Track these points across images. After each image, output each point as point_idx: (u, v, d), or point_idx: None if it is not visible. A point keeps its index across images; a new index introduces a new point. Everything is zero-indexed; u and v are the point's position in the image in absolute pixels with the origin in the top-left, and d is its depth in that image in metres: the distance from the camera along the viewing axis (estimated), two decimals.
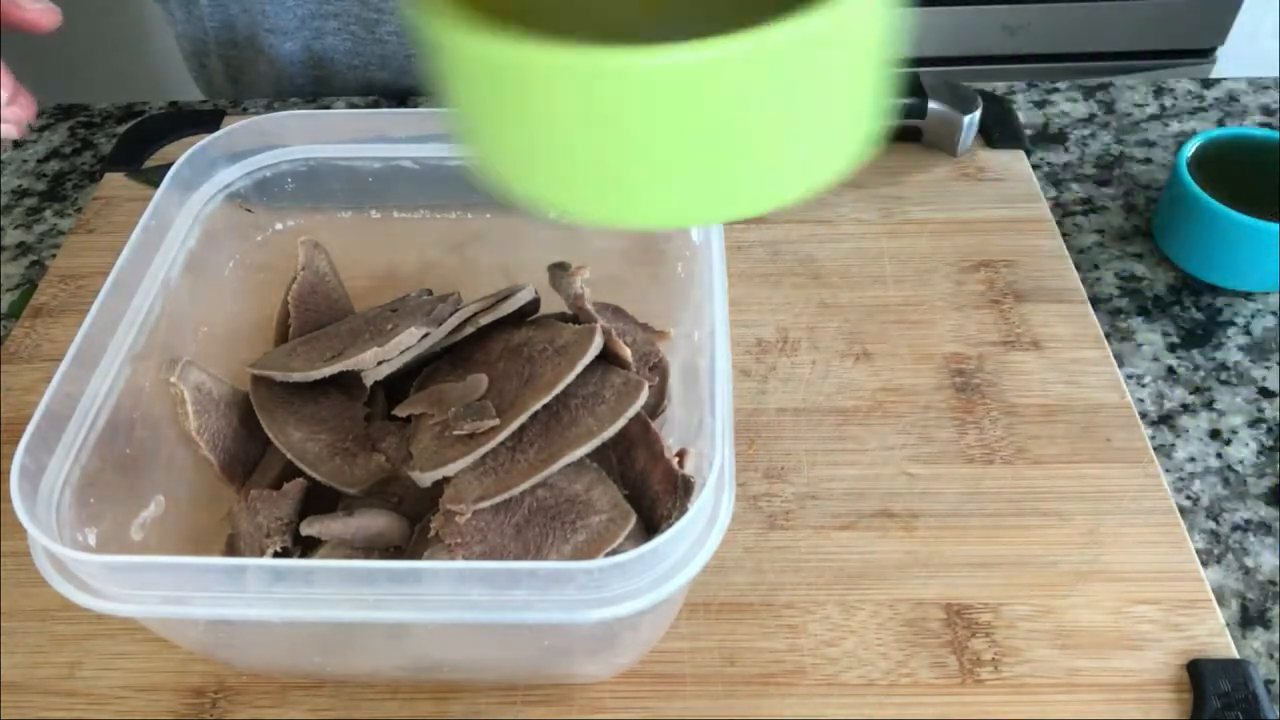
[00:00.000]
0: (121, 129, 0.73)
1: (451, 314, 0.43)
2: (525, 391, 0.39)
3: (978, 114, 0.65)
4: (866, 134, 0.29)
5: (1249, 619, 0.46)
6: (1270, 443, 0.52)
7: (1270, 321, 0.58)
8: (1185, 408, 0.54)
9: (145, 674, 0.45)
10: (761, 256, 0.61)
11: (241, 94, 0.84)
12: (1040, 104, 0.73)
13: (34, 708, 0.44)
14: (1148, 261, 0.62)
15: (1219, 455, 0.52)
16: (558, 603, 0.31)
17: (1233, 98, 0.73)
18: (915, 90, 0.66)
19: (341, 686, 0.44)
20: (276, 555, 0.39)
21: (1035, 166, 0.67)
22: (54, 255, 0.64)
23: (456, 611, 0.31)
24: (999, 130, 0.68)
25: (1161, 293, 0.60)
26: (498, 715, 0.43)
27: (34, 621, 0.47)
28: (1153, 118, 0.72)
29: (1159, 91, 0.74)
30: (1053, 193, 0.67)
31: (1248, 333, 0.58)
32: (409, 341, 0.41)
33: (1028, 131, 0.71)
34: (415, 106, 0.72)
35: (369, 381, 0.42)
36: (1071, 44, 1.25)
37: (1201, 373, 0.56)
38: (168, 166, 0.44)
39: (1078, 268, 0.60)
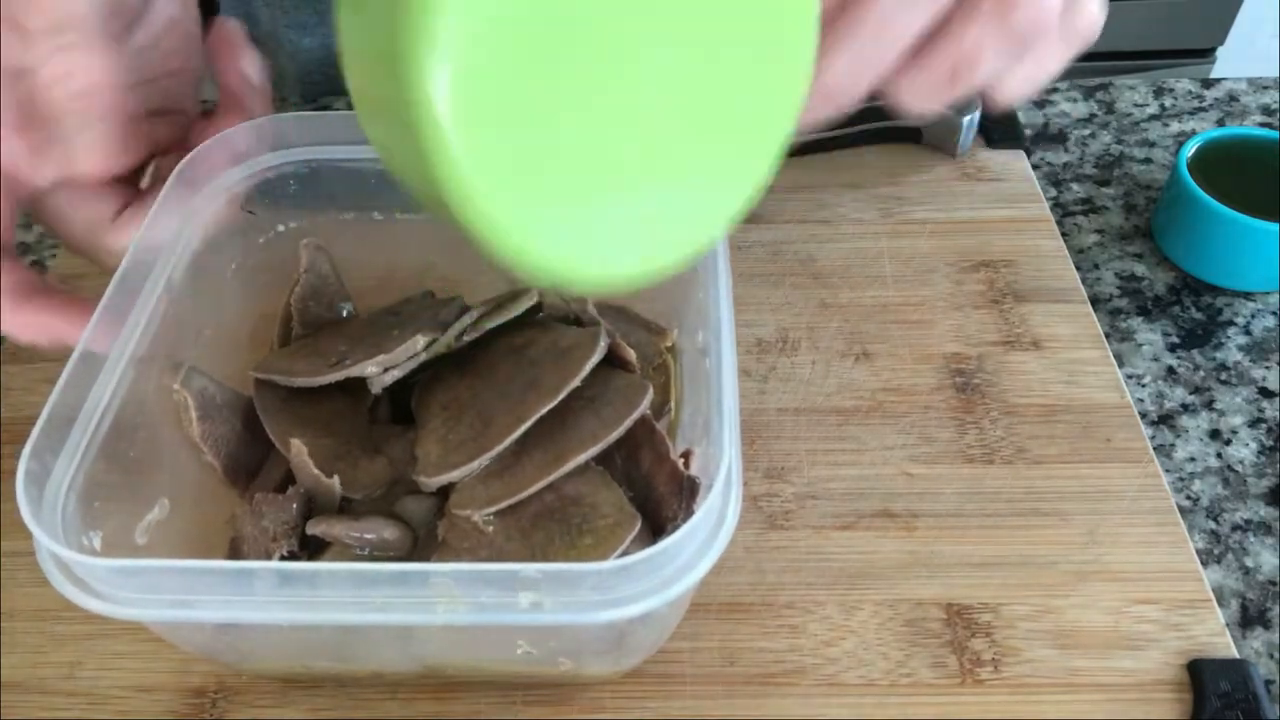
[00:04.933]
0: None
1: (456, 319, 0.43)
2: (529, 395, 0.39)
3: (977, 114, 0.65)
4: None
5: (1249, 619, 0.46)
6: (1270, 443, 0.53)
7: (1270, 321, 0.58)
8: (1185, 408, 0.54)
9: (145, 674, 0.45)
10: (761, 256, 0.61)
11: None
12: (1040, 104, 0.73)
13: (34, 708, 0.44)
14: (1148, 261, 0.62)
15: (1219, 455, 0.52)
16: (566, 604, 0.31)
17: (1233, 98, 0.73)
18: None
19: (341, 686, 0.44)
20: (283, 559, 0.39)
21: (1035, 166, 0.67)
22: (54, 255, 0.64)
23: (464, 614, 0.31)
24: (999, 130, 0.68)
25: (1161, 293, 0.61)
26: (497, 715, 0.43)
27: (34, 621, 0.47)
28: (1153, 118, 0.72)
29: (1159, 91, 0.74)
30: (1053, 193, 0.67)
31: (1248, 333, 0.58)
32: (415, 348, 0.41)
33: (1028, 131, 0.71)
34: None
35: (375, 389, 0.41)
36: None
37: (1201, 373, 0.56)
38: None
39: (1078, 268, 0.60)
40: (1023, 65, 0.34)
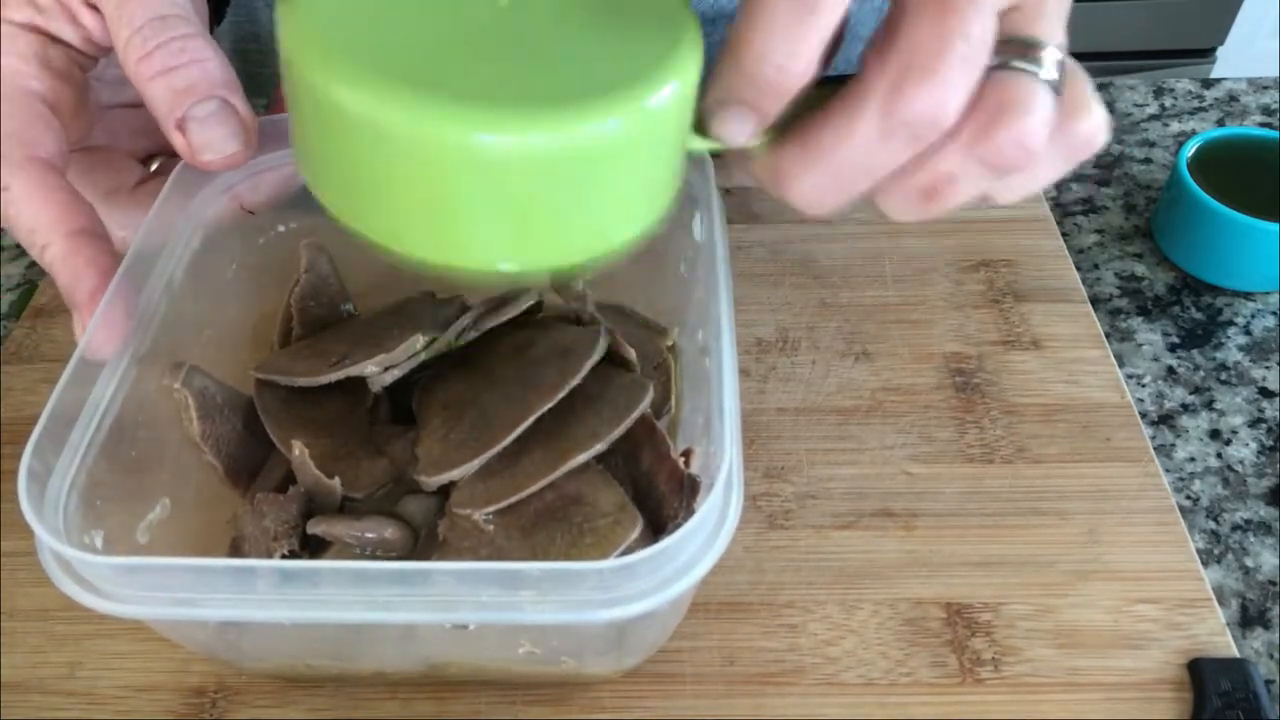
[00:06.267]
0: None
1: (456, 318, 0.43)
2: (530, 394, 0.39)
3: None
4: (659, 206, 0.33)
5: (1249, 619, 0.46)
6: (1270, 443, 0.53)
7: (1270, 321, 0.58)
8: (1185, 408, 0.54)
9: (145, 674, 0.45)
10: (761, 256, 0.61)
11: (264, 90, 0.83)
12: None
13: (34, 708, 0.44)
14: (1148, 261, 0.62)
15: (1219, 455, 0.52)
16: (567, 603, 0.31)
17: (1233, 98, 0.73)
18: None
19: (341, 686, 0.44)
20: (284, 559, 0.39)
21: None
22: None
23: (466, 612, 0.31)
24: None
25: (1161, 293, 0.61)
26: (497, 715, 0.43)
27: (34, 621, 0.47)
28: (1153, 118, 0.72)
29: (1159, 91, 0.74)
30: (1053, 193, 0.67)
31: (1248, 333, 0.58)
32: (415, 348, 0.41)
33: None
34: None
35: (375, 388, 0.42)
36: (1072, 44, 1.25)
37: (1201, 373, 0.56)
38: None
39: (1078, 268, 0.60)
40: (1010, 181, 0.33)
